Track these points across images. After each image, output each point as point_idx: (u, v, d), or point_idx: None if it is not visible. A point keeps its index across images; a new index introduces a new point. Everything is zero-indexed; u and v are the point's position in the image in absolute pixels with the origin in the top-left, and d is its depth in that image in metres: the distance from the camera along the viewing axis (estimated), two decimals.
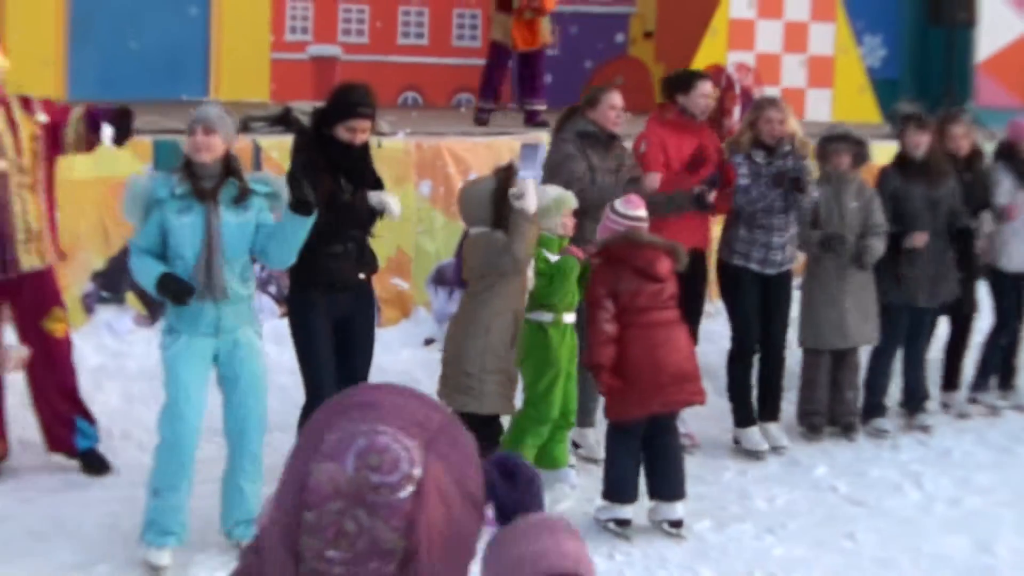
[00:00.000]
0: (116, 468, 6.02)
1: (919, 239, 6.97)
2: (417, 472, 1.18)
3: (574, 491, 5.99)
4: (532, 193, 5.46)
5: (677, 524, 5.57)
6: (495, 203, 5.53)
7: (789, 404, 7.08)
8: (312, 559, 1.19)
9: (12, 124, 5.70)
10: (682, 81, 6.73)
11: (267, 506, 1.26)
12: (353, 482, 1.18)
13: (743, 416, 6.78)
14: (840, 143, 6.89)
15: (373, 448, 1.19)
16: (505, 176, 5.59)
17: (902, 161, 7.19)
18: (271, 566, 1.23)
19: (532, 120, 8.83)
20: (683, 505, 5.60)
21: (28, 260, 5.76)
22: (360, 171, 5.43)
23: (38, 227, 5.77)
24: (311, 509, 1.19)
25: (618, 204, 5.68)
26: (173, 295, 4.90)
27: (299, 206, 4.90)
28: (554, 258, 5.75)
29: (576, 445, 6.50)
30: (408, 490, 1.18)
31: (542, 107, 8.83)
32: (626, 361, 5.48)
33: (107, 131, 5.75)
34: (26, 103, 5.81)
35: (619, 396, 5.52)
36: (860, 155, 6.92)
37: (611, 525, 5.57)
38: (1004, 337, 7.69)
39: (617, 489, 5.57)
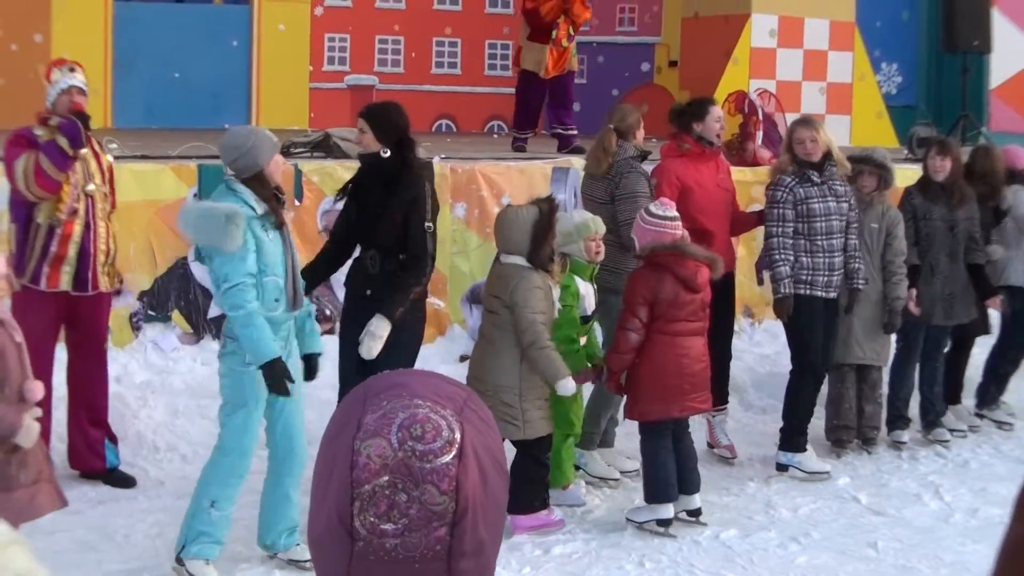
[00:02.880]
0: (161, 480, 6.13)
1: (915, 307, 7.04)
2: (457, 436, 1.22)
3: (605, 501, 6.14)
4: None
5: (696, 513, 5.76)
6: (535, 235, 5.50)
7: (817, 419, 7.05)
8: (367, 535, 1.20)
9: (95, 153, 5.93)
10: (695, 110, 6.66)
11: (313, 498, 1.28)
12: (399, 454, 1.20)
13: (799, 442, 6.61)
14: (864, 165, 6.97)
15: (414, 420, 1.22)
16: (548, 208, 5.56)
17: (925, 183, 7.32)
18: (327, 550, 1.24)
19: (566, 146, 8.91)
20: (699, 496, 5.79)
21: (104, 282, 5.95)
22: (368, 183, 5.54)
23: (113, 251, 5.99)
24: (362, 486, 1.20)
25: (653, 207, 5.75)
26: (276, 383, 4.79)
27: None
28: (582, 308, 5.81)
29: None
30: (451, 454, 1.21)
31: (573, 130, 8.92)
32: (653, 364, 5.64)
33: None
34: None
35: (642, 397, 5.69)
36: (884, 179, 6.99)
37: (653, 526, 5.67)
38: (1012, 352, 7.74)
39: (660, 489, 5.69)
